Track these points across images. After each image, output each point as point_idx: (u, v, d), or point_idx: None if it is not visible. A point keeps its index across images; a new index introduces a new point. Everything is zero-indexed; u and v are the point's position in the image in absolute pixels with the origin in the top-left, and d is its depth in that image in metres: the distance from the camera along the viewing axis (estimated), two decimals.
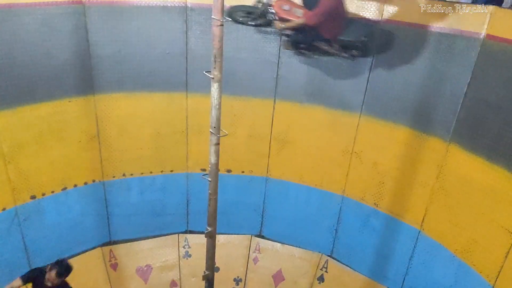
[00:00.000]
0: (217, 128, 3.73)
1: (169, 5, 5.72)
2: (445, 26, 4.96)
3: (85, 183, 6.14)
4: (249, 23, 5.57)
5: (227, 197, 6.44)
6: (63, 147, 5.78)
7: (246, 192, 6.77)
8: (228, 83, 5.75)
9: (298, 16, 5.05)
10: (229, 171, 6.60)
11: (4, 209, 5.50)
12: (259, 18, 5.44)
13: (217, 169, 3.97)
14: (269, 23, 5.43)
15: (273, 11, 5.20)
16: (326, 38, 5.18)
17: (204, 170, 6.37)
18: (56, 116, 5.61)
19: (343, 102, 5.88)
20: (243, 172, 6.67)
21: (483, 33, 4.69)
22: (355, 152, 6.06)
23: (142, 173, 6.48)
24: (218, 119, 3.70)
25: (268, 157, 6.52)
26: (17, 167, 5.49)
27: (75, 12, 5.42)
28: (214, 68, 3.44)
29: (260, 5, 5.32)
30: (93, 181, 6.22)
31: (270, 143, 6.45)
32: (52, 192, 5.88)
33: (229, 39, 5.64)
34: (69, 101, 5.66)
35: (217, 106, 3.63)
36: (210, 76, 3.51)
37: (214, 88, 3.55)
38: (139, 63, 5.90)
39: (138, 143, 6.31)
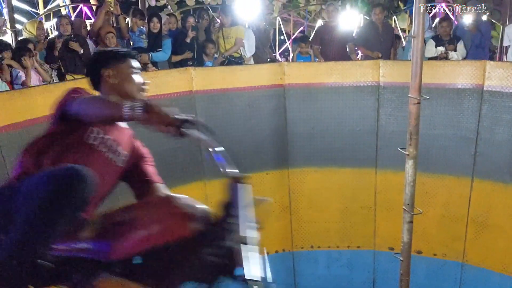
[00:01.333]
0: (411, 205, 3.67)
1: (361, 84, 5.99)
2: None
3: (276, 252, 6.47)
4: None
5: (416, 280, 6.04)
6: (259, 216, 6.25)
7: (438, 277, 6.26)
8: (421, 159, 5.63)
9: None
10: (419, 252, 6.23)
11: None
12: None
13: (410, 249, 3.84)
14: None
15: None
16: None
17: (392, 249, 6.14)
18: (254, 187, 6.14)
19: None
20: (435, 254, 6.23)
21: None
22: None
23: (329, 247, 6.56)
24: (412, 196, 3.64)
25: (465, 240, 5.99)
26: None
27: (276, 94, 6.07)
28: (410, 145, 3.46)
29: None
30: (283, 250, 6.52)
31: (466, 225, 5.95)
32: None
33: (422, 116, 5.57)
34: (267, 174, 6.19)
35: (412, 183, 3.60)
36: (405, 152, 3.53)
37: (409, 165, 3.54)
38: (330, 139, 6.19)
39: (326, 216, 6.47)
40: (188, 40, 6.46)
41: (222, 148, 1.91)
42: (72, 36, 5.73)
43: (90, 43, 6.03)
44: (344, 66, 6.20)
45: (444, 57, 6.08)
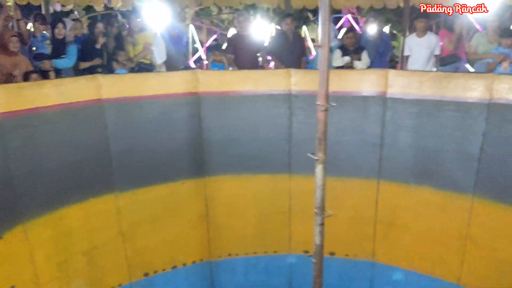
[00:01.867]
0: (322, 208, 3.79)
1: (274, 93, 6.11)
2: None
3: (193, 262, 6.38)
4: None
5: (330, 281, 6.25)
6: (175, 227, 6.15)
7: (351, 277, 6.53)
8: (331, 164, 5.84)
9: None
10: (332, 253, 6.47)
11: (120, 285, 5.87)
12: None
13: (322, 251, 3.96)
14: None
15: None
16: None
17: (306, 252, 6.32)
18: (170, 197, 6.04)
19: (452, 183, 5.63)
20: (347, 255, 6.50)
21: None
22: (470, 237, 5.65)
23: (246, 254, 6.59)
24: (323, 200, 3.76)
25: (374, 240, 6.31)
26: (133, 245, 5.91)
27: (190, 102, 6.01)
28: (319, 150, 3.58)
29: None
30: (201, 260, 6.45)
31: (375, 225, 6.28)
32: (163, 270, 6.18)
33: (331, 123, 5.80)
34: (182, 183, 6.09)
35: (322, 187, 3.72)
36: (315, 157, 3.64)
37: (319, 169, 3.66)
38: (245, 147, 6.25)
39: (243, 223, 6.50)
40: (98, 46, 6.22)
41: None
42: None
43: None
44: (258, 74, 6.29)
45: (350, 66, 6.40)
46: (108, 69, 6.43)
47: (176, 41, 7.14)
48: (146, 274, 6.06)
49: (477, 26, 8.27)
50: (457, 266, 5.80)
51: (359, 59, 6.49)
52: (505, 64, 5.65)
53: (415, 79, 5.68)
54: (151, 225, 5.98)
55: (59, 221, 5.18)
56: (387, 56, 7.25)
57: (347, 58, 6.49)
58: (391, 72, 5.87)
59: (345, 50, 6.54)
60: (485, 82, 5.25)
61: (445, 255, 5.88)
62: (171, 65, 6.91)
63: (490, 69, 5.73)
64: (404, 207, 6.04)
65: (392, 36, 12.32)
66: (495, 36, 6.07)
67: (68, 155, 5.20)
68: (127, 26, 6.97)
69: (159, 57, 6.68)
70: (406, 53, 6.77)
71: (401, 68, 7.79)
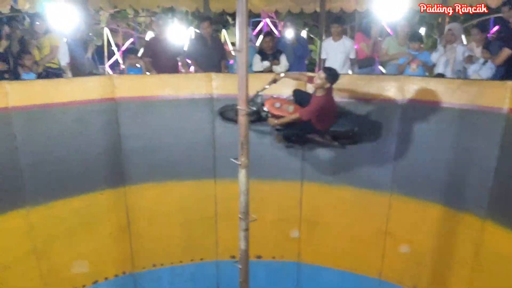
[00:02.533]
0: (246, 213, 3.74)
1: (196, 97, 6.00)
2: (466, 102, 5.03)
3: (116, 275, 6.09)
4: None
5: (258, 284, 6.24)
6: (94, 240, 5.82)
7: (278, 278, 6.57)
8: (255, 167, 5.83)
9: (290, 112, 5.39)
10: (259, 257, 6.47)
11: None
12: (252, 115, 5.60)
13: (247, 256, 3.92)
14: (261, 119, 5.67)
15: (265, 109, 5.50)
16: (318, 130, 5.47)
17: (233, 257, 6.26)
18: (88, 209, 5.72)
19: (371, 181, 5.85)
20: (274, 257, 6.53)
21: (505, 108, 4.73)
22: (389, 233, 5.90)
23: (172, 263, 6.40)
24: (247, 205, 3.71)
25: (299, 241, 6.40)
26: (48, 262, 5.52)
27: (107, 108, 5.73)
28: (241, 154, 3.53)
29: (253, 102, 5.48)
30: (123, 273, 6.16)
31: (300, 226, 6.36)
32: (83, 286, 5.83)
33: (254, 126, 5.81)
34: (101, 194, 5.79)
35: (245, 192, 3.67)
36: (238, 162, 3.59)
37: (242, 174, 3.61)
38: (167, 153, 6.08)
39: (167, 231, 6.31)
40: (1, 50, 5.75)
41: None
42: None
43: None
44: (178, 78, 6.15)
45: (269, 71, 6.45)
46: (14, 74, 5.96)
47: (81, 43, 6.80)
48: None
49: (389, 30, 8.70)
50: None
51: (278, 63, 6.56)
52: (413, 66, 5.99)
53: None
54: (67, 240, 5.62)
55: None
56: (305, 60, 7.41)
57: (266, 63, 6.53)
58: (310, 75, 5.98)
59: (263, 55, 6.58)
60: (396, 84, 5.52)
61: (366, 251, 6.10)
62: (76, 69, 6.56)
63: (401, 71, 6.04)
64: (327, 207, 6.18)
65: (310, 40, 12.66)
66: (404, 40, 6.41)
67: None
68: (33, 28, 6.50)
69: (62, 59, 6.34)
70: (323, 57, 6.94)
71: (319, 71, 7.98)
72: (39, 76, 5.91)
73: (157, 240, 6.28)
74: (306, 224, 6.34)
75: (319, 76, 5.05)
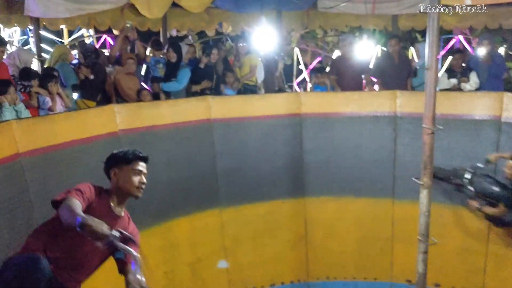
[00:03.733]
0: (426, 235, 3.64)
1: (379, 114, 6.02)
2: None
3: (291, 282, 6.40)
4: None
5: None
6: (274, 245, 6.23)
7: None
8: (439, 191, 5.57)
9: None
10: (437, 285, 6.10)
11: None
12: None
13: (425, 280, 3.79)
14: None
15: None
16: None
17: (409, 281, 6.03)
18: (271, 216, 6.16)
19: None
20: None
21: None
22: None
23: (345, 278, 6.46)
24: (427, 226, 3.62)
25: (484, 273, 5.85)
26: (234, 260, 6.09)
27: (292, 123, 6.14)
28: (424, 174, 3.46)
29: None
30: (299, 280, 6.44)
31: (486, 257, 5.82)
32: (262, 287, 6.27)
33: (439, 146, 5.56)
34: (283, 202, 6.19)
35: (426, 213, 3.58)
36: (420, 182, 3.53)
37: (423, 194, 3.54)
38: (347, 168, 6.19)
39: (342, 247, 6.39)
40: (201, 66, 6.58)
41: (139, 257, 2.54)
42: (85, 63, 5.98)
43: (110, 70, 6.27)
44: (361, 96, 6.25)
45: (457, 88, 6.12)
46: (217, 90, 6.79)
47: (272, 63, 7.37)
48: None
49: None
50: None
51: (467, 81, 6.19)
52: None
53: None
54: (252, 242, 6.13)
55: (168, 233, 5.53)
56: (501, 78, 6.80)
57: (453, 80, 6.21)
58: (507, 95, 5.51)
59: (451, 72, 6.27)
60: None
61: None
62: (266, 86, 7.14)
63: None
64: None
65: (509, 57, 11.47)
66: None
67: (178, 171, 5.56)
68: (235, 49, 7.34)
69: (258, 77, 6.97)
70: None
71: None
72: (238, 92, 6.63)
73: (332, 253, 6.41)
74: (493, 256, 5.76)
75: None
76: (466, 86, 6.17)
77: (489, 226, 5.71)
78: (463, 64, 6.53)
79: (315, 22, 9.22)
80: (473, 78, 6.19)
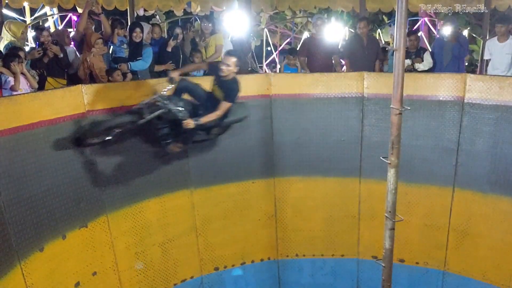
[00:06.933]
0: (393, 212, 3.77)
1: (346, 95, 6.12)
2: None
3: (261, 260, 6.52)
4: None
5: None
6: (245, 224, 6.32)
7: (420, 285, 6.36)
8: (403, 169, 5.73)
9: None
10: (402, 260, 6.34)
11: (192, 277, 6.14)
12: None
13: (392, 255, 3.94)
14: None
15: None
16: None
17: (375, 257, 6.22)
18: (241, 195, 6.23)
19: None
20: (417, 263, 6.34)
21: None
22: None
23: (313, 255, 6.63)
24: (394, 204, 3.74)
25: (446, 249, 6.11)
26: (205, 240, 6.15)
27: (263, 104, 6.17)
28: (392, 154, 3.57)
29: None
30: (269, 258, 6.57)
31: (448, 234, 6.08)
32: (233, 265, 6.37)
33: (404, 127, 5.71)
34: (253, 183, 6.26)
35: (393, 191, 3.70)
36: (387, 161, 3.64)
37: (391, 173, 3.65)
38: (315, 149, 6.30)
39: (310, 225, 6.55)
40: (169, 49, 6.50)
41: None
42: (53, 41, 5.87)
43: (71, 50, 6.17)
44: (330, 77, 6.32)
45: (411, 69, 6.29)
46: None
47: (245, 43, 7.33)
48: (216, 269, 6.28)
49: None
50: None
51: (421, 62, 6.37)
52: None
53: (494, 84, 5.47)
54: (222, 221, 6.19)
55: (138, 214, 5.52)
56: (463, 60, 7.00)
57: (407, 61, 6.33)
58: (469, 77, 5.70)
59: (406, 53, 6.40)
60: None
61: None
62: (240, 68, 7.10)
63: None
64: (480, 217, 5.81)
65: (472, 39, 11.81)
66: None
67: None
68: (200, 30, 7.22)
69: None
70: (486, 57, 6.51)
71: (481, 73, 7.49)
72: (205, 73, 6.56)
73: (301, 231, 6.56)
74: (455, 233, 6.03)
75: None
76: (420, 66, 6.33)
77: (451, 204, 5.95)
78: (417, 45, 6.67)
79: (285, 3, 9.22)
80: (427, 58, 6.36)
